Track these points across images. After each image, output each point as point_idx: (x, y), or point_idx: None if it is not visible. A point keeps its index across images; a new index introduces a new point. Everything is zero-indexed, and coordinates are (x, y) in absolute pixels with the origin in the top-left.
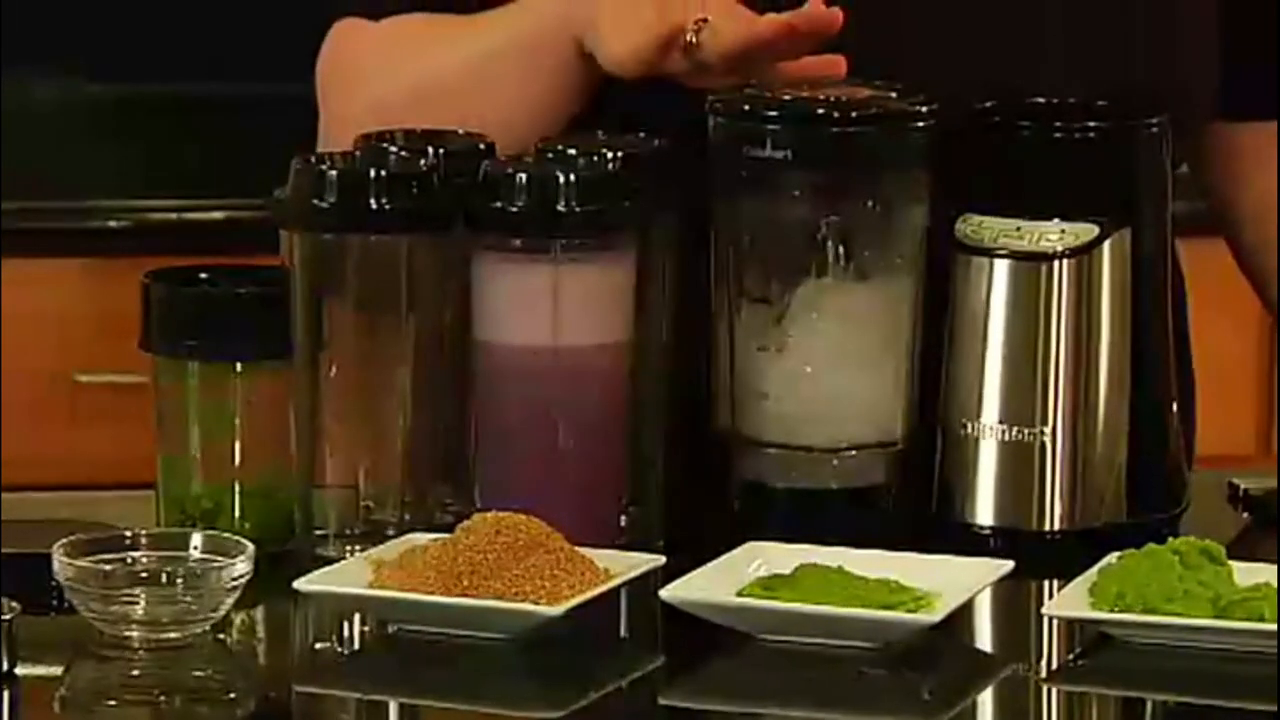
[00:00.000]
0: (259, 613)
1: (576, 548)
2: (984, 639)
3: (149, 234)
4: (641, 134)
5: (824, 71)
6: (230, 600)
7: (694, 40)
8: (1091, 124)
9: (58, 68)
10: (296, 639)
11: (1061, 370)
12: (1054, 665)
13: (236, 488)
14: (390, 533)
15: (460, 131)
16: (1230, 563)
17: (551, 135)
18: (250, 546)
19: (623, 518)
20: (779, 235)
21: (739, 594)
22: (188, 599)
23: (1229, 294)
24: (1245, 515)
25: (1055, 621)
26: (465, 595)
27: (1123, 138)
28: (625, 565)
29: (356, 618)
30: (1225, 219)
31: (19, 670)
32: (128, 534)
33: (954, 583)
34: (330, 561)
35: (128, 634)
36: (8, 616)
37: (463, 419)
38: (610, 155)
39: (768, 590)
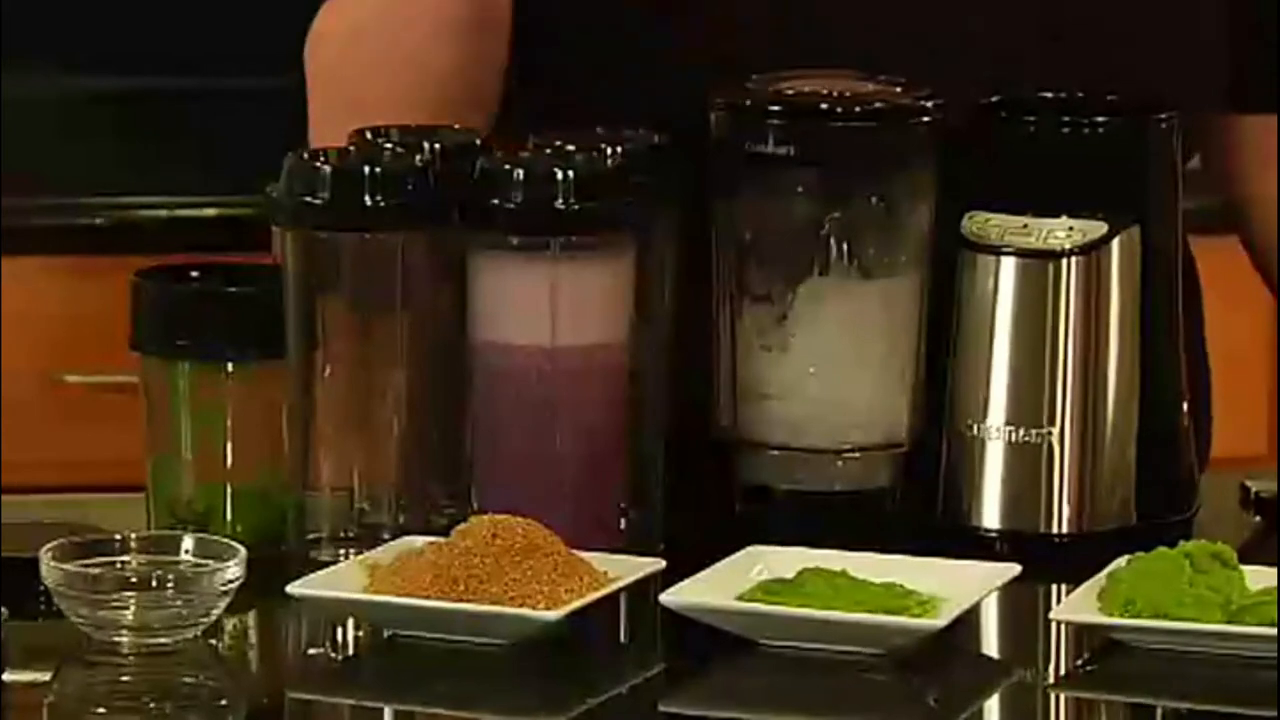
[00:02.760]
0: (251, 618)
1: (575, 551)
2: (990, 644)
3: (139, 232)
4: (641, 130)
5: None
6: (222, 605)
7: None
8: (1100, 119)
9: (45, 62)
10: (290, 644)
11: (1069, 370)
12: (1062, 671)
13: (228, 490)
14: (385, 536)
15: (455, 127)
16: (1241, 567)
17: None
18: (242, 550)
19: (622, 521)
20: (781, 233)
21: (741, 598)
22: (178, 604)
23: (1243, 292)
24: (1257, 518)
25: (1063, 626)
26: (462, 600)
27: (1132, 133)
28: (625, 569)
29: (351, 623)
30: (1238, 213)
31: (6, 676)
32: (117, 537)
33: (960, 587)
34: (324, 565)
35: (117, 639)
36: None
37: (459, 420)
38: (609, 151)
39: (770, 595)
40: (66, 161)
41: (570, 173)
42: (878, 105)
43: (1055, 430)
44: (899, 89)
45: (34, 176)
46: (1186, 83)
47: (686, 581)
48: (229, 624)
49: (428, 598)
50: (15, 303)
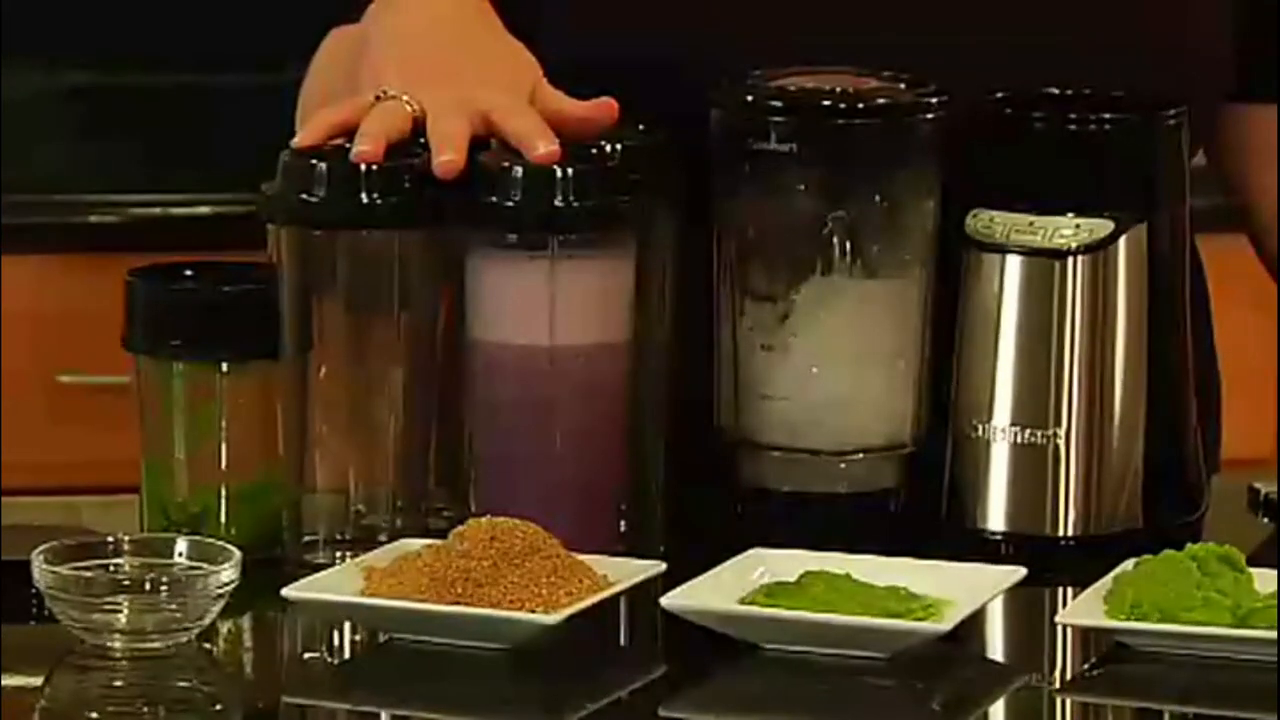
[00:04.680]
0: (246, 621)
1: (574, 554)
2: (996, 648)
3: (132, 230)
4: (641, 127)
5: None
6: (216, 608)
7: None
8: (1107, 116)
9: (37, 58)
10: (285, 648)
11: (1075, 370)
12: (1068, 675)
13: (223, 492)
14: (382, 538)
15: None
16: (1250, 569)
17: None
18: (237, 553)
19: (622, 523)
20: (783, 231)
21: (742, 602)
22: (172, 607)
23: (1251, 291)
24: (1266, 520)
25: (1069, 630)
26: (459, 603)
27: (1139, 130)
28: (625, 572)
29: (347, 626)
30: (1242, 207)
31: None
32: (110, 540)
33: (965, 590)
34: (320, 568)
35: (110, 643)
36: None
37: (457, 421)
38: (609, 149)
39: (772, 598)
40: (57, 158)
41: (569, 171)
42: (881, 102)
43: (1061, 431)
44: (903, 85)
45: (24, 174)
46: (1191, 77)
47: (687, 585)
48: (223, 628)
49: (425, 601)
50: (6, 302)
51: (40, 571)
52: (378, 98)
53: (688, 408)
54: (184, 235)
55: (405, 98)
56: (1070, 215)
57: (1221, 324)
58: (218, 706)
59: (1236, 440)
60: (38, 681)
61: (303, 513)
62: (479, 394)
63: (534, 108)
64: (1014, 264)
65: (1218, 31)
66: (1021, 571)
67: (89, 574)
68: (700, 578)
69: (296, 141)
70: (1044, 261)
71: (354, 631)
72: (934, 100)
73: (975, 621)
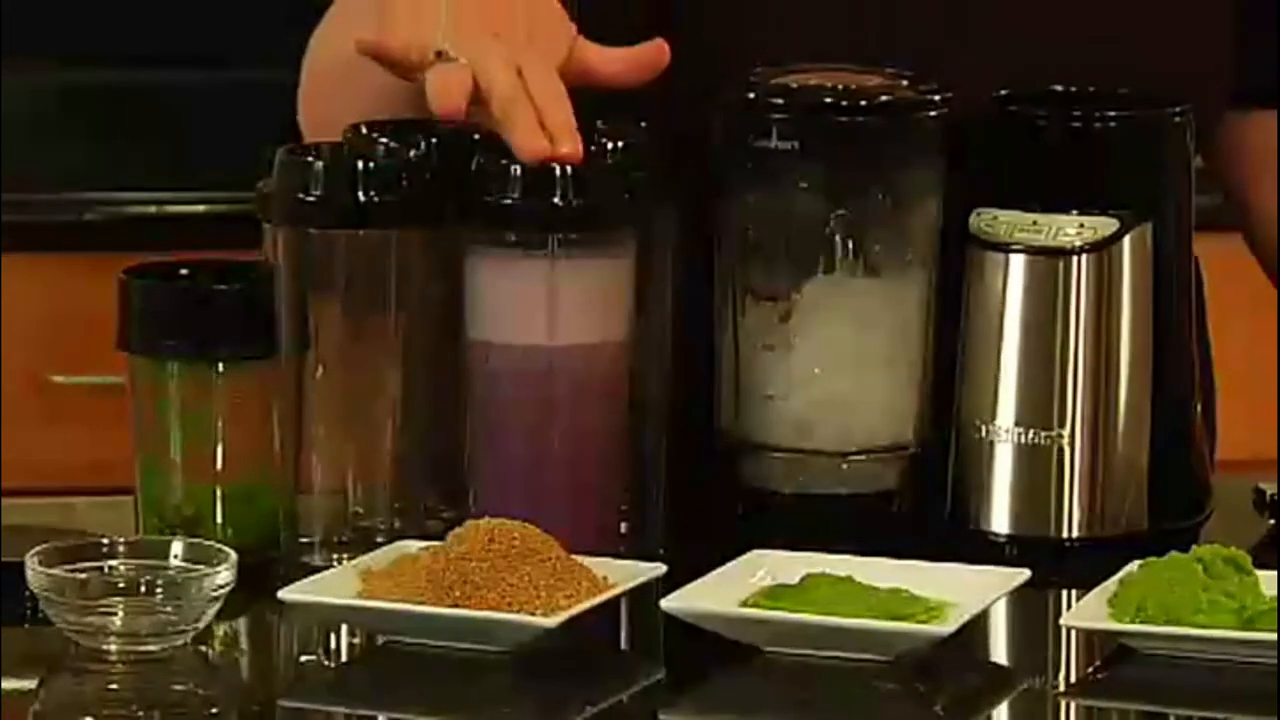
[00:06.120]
0: (242, 624)
1: (574, 556)
2: (999, 651)
3: (126, 228)
4: (642, 124)
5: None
6: (212, 611)
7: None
8: (1112, 114)
9: (28, 55)
10: (281, 651)
11: (1080, 370)
12: (1072, 678)
13: (218, 493)
14: (379, 540)
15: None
16: (1256, 571)
17: None
18: (233, 555)
19: (622, 524)
20: (785, 229)
21: (743, 604)
22: (168, 609)
23: (1251, 292)
24: (1271, 522)
25: (1073, 633)
26: (457, 606)
27: (1145, 128)
28: (625, 574)
29: (344, 629)
30: (1241, 211)
31: None
32: (105, 542)
33: (968, 592)
34: (316, 570)
35: (105, 646)
36: None
37: (455, 421)
38: (609, 147)
39: (773, 600)
40: (50, 157)
41: (569, 169)
42: (884, 100)
43: (1065, 432)
44: (905, 83)
45: (16, 172)
46: (1195, 78)
47: (688, 586)
48: (219, 630)
49: (422, 603)
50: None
51: (34, 574)
52: (439, 54)
53: (688, 408)
54: (179, 233)
55: (461, 59)
56: (1074, 214)
57: (1220, 324)
58: (214, 710)
59: (1237, 441)
60: (32, 685)
61: (299, 514)
62: (478, 394)
63: (569, 65)
64: (1018, 263)
65: (1218, 32)
66: (1025, 573)
67: (84, 576)
68: (701, 580)
69: (359, 44)
70: (1048, 260)
71: (351, 634)
72: (937, 98)
73: (978, 624)
